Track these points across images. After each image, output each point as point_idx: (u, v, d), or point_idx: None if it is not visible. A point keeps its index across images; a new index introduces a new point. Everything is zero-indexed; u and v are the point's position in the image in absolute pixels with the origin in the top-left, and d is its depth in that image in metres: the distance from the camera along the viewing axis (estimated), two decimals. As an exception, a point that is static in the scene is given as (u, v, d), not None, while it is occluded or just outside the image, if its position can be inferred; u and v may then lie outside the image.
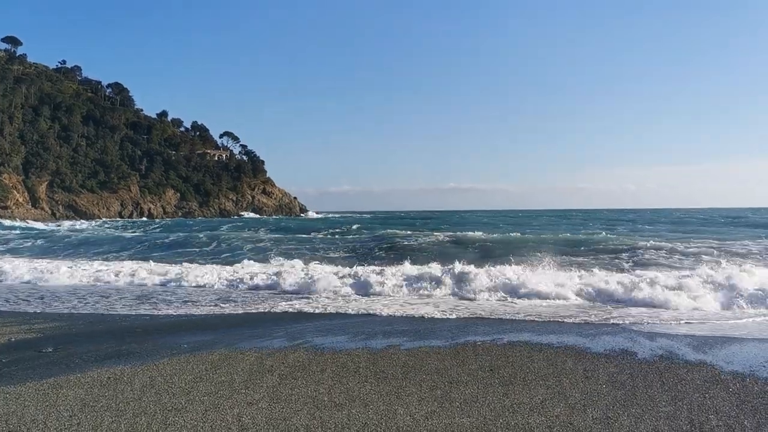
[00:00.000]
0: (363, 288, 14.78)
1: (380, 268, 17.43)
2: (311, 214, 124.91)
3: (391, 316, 11.11)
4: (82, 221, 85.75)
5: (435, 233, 31.72)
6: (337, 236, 37.21)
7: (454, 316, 10.87)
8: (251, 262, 21.89)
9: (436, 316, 10.84)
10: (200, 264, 21.77)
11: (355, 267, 17.92)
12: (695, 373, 6.52)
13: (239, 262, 21.54)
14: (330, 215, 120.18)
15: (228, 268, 19.83)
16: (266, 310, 12.17)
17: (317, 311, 11.88)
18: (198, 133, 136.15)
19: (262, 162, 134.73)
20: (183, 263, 21.35)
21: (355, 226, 46.23)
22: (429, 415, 5.24)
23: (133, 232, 47.04)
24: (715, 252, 20.60)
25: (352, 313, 11.55)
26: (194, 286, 16.84)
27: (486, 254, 22.36)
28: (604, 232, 33.56)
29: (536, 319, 10.44)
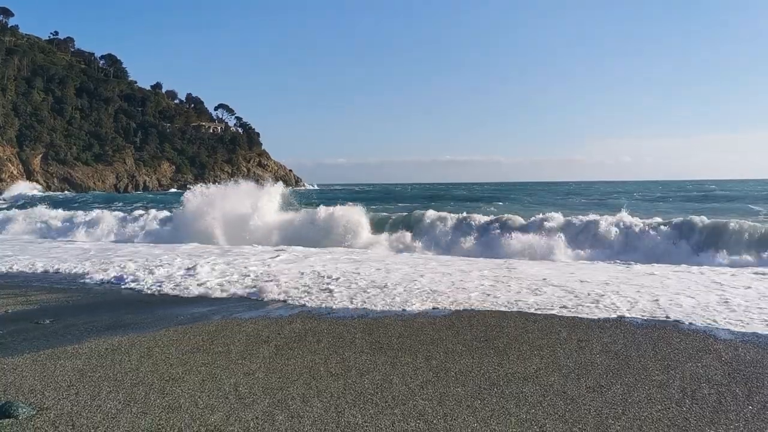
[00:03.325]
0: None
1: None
2: (308, 186, 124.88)
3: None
4: (66, 193, 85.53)
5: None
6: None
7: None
8: None
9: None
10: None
11: None
12: (688, 342, 6.58)
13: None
14: (330, 188, 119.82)
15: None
16: None
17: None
18: (193, 105, 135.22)
19: (258, 134, 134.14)
20: None
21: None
22: (424, 385, 5.29)
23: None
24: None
25: None
26: None
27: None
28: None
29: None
